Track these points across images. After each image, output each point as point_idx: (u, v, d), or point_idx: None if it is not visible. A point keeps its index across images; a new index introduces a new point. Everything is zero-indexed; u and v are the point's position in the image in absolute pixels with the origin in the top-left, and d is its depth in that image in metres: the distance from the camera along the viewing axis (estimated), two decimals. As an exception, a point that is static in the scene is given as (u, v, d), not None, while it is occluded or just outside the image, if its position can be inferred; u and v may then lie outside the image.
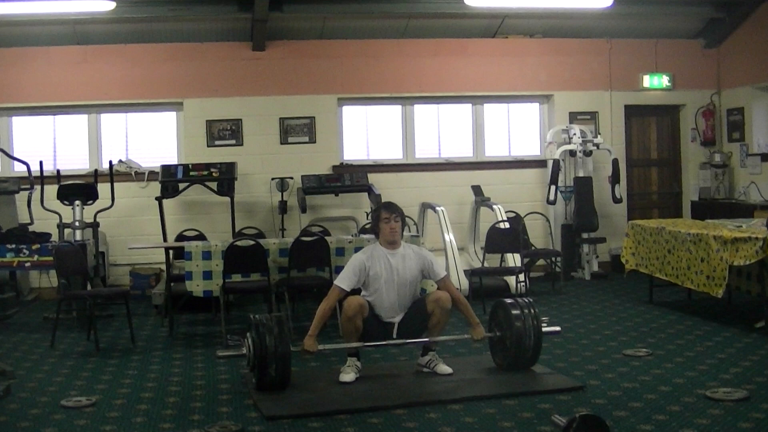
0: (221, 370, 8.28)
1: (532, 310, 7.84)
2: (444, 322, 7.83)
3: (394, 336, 7.75)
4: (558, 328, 8.21)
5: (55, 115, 13.37)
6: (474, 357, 8.59)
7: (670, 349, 8.57)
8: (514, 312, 7.82)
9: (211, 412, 6.79)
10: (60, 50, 13.04)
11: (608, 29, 14.25)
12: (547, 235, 13.66)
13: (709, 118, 14.63)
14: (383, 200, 11.48)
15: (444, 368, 7.73)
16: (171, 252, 10.55)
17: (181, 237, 11.55)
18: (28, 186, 11.74)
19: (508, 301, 8.04)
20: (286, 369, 7.32)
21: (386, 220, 7.74)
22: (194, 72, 13.36)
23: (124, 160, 13.20)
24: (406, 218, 9.03)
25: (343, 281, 7.74)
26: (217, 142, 13.36)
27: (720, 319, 9.86)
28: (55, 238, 11.35)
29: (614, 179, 13.53)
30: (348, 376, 7.54)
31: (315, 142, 13.51)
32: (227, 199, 12.34)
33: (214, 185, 12.40)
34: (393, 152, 14.07)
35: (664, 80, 14.56)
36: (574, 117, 14.21)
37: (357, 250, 8.95)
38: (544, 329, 7.80)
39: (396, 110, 14.16)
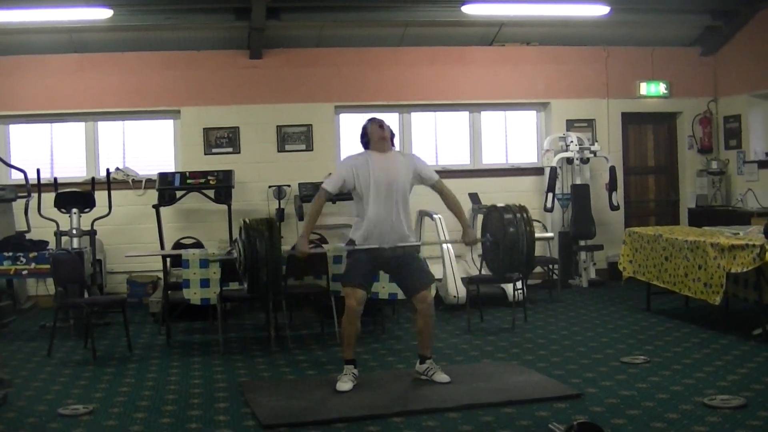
0: (218, 378, 8.28)
1: (525, 215, 7.87)
2: (430, 327, 7.80)
3: (385, 246, 7.63)
4: (551, 234, 8.32)
5: (52, 123, 13.35)
6: (471, 365, 8.60)
7: (667, 356, 8.57)
8: (507, 216, 7.84)
9: (208, 421, 6.79)
10: (57, 58, 13.03)
11: (605, 37, 14.27)
12: (545, 243, 13.59)
13: (706, 126, 14.63)
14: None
15: (442, 377, 7.72)
16: (168, 260, 10.55)
17: (178, 245, 11.55)
18: (25, 194, 11.72)
19: (500, 206, 8.10)
20: (278, 273, 7.29)
21: (375, 126, 7.87)
22: (191, 80, 13.36)
23: (121, 167, 13.20)
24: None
25: (329, 184, 7.84)
26: (214, 150, 13.35)
27: (717, 326, 9.86)
28: (52, 246, 11.34)
29: (611, 187, 13.54)
30: (345, 385, 7.52)
31: (312, 150, 13.51)
32: (224, 207, 12.33)
33: (211, 193, 12.40)
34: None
35: (661, 88, 14.57)
36: (571, 124, 14.23)
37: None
38: (537, 234, 7.83)
39: (393, 118, 14.12)
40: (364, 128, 7.99)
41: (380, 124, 7.90)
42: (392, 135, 8.01)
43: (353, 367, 7.65)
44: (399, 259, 7.69)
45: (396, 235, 7.65)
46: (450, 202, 7.93)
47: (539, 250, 13.33)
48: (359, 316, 7.55)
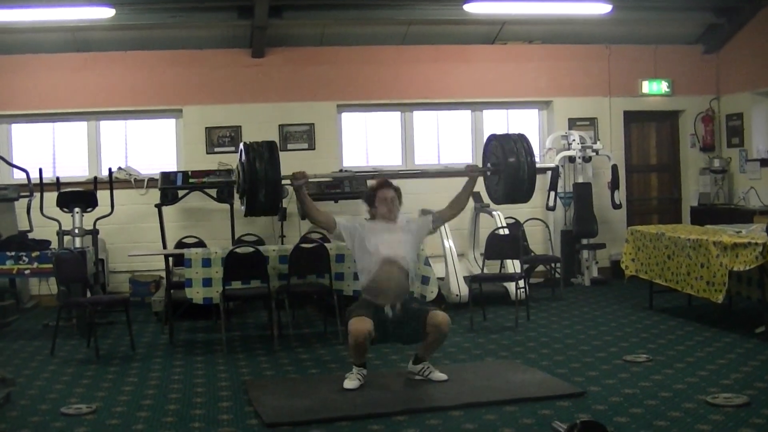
0: (222, 377, 8.28)
1: (525, 144, 7.95)
2: (440, 343, 7.81)
3: (389, 315, 7.60)
4: (554, 164, 8.40)
5: (54, 122, 13.37)
6: (474, 363, 8.61)
7: (670, 354, 8.57)
8: (508, 146, 7.87)
9: (211, 420, 6.79)
10: (60, 57, 13.04)
11: (607, 35, 14.26)
12: (547, 241, 13.63)
13: (709, 124, 14.63)
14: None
15: (439, 375, 7.70)
16: (171, 259, 10.54)
17: (180, 244, 11.54)
18: (28, 193, 11.73)
19: (500, 134, 8.22)
20: (276, 194, 7.32)
21: (382, 193, 7.81)
22: (193, 79, 13.36)
23: (123, 167, 13.20)
24: None
25: (341, 223, 7.84)
26: (216, 149, 13.35)
27: (720, 324, 9.85)
28: (54, 245, 11.35)
29: (614, 185, 13.53)
30: (352, 383, 7.51)
31: (315, 148, 13.51)
32: (227, 206, 12.34)
33: (213, 192, 12.40)
34: (392, 159, 14.06)
35: (663, 86, 14.57)
36: (573, 123, 14.23)
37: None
38: (538, 165, 7.91)
39: (395, 117, 14.16)
40: (371, 194, 7.91)
41: (385, 196, 7.79)
42: (399, 197, 7.92)
43: (363, 369, 7.61)
44: (399, 317, 7.66)
45: (400, 291, 7.65)
46: (454, 203, 8.06)
47: (541, 248, 13.43)
48: (364, 340, 7.40)
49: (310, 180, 7.87)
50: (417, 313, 7.61)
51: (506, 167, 7.97)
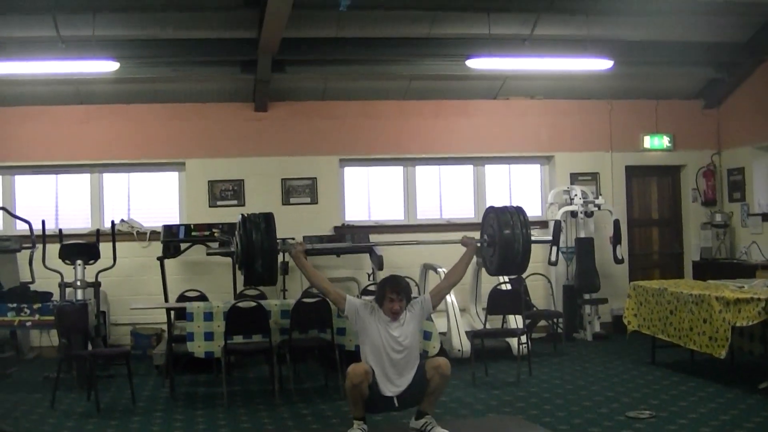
0: (223, 431, 8.24)
1: (521, 218, 8.02)
2: (442, 388, 7.75)
3: (396, 405, 7.58)
4: (549, 238, 8.44)
5: (57, 174, 13.44)
6: (476, 419, 8.56)
7: (673, 410, 8.52)
8: (504, 219, 7.89)
9: (212, 475, 6.76)
10: (63, 109, 13.14)
11: (609, 90, 14.35)
12: (549, 296, 13.61)
13: (710, 178, 14.68)
14: (384, 261, 11.51)
15: (441, 431, 7.65)
16: (172, 312, 10.53)
17: (182, 297, 11.53)
18: (30, 245, 11.74)
19: (498, 207, 8.28)
20: (273, 264, 7.34)
21: (390, 300, 7.64)
22: (196, 132, 13.43)
23: (126, 219, 13.24)
24: (409, 283, 8.72)
25: (349, 300, 7.80)
26: (219, 203, 13.40)
27: (723, 380, 9.81)
28: (56, 297, 11.32)
29: (615, 240, 13.53)
30: (356, 436, 7.46)
31: (317, 202, 13.55)
32: (229, 259, 12.32)
33: (215, 246, 12.40)
34: (395, 213, 14.10)
35: (664, 141, 14.65)
36: (575, 178, 14.28)
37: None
38: (534, 238, 7.92)
39: (398, 171, 14.21)
40: (380, 291, 7.83)
41: (392, 298, 7.67)
42: (408, 299, 7.80)
43: (363, 422, 7.53)
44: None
45: (403, 383, 7.59)
46: (451, 274, 8.09)
47: (543, 303, 13.40)
48: (362, 382, 7.35)
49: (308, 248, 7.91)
50: (419, 372, 7.59)
51: (501, 239, 8.01)
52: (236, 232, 7.64)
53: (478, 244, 8.41)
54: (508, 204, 8.63)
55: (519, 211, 8.21)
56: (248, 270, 7.42)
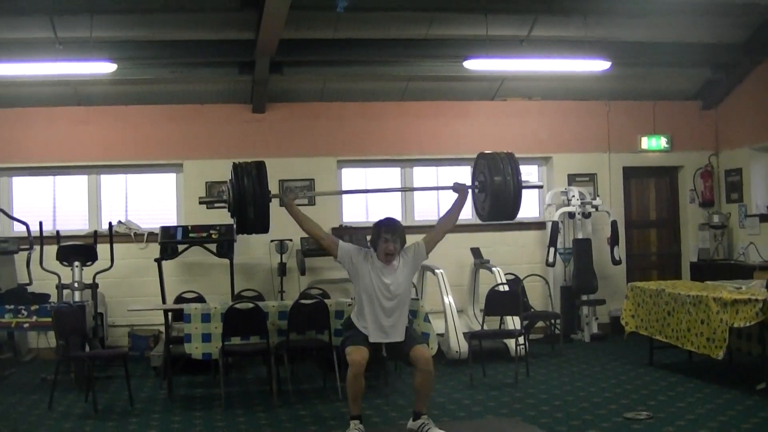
0: (220, 433, 8.25)
1: (512, 164, 8.05)
2: (430, 384, 7.76)
3: (384, 354, 7.67)
4: (541, 184, 8.43)
5: (55, 175, 13.43)
6: (473, 421, 8.56)
7: (671, 411, 8.53)
8: (495, 165, 7.93)
9: (209, 477, 6.75)
10: (61, 111, 13.13)
11: (606, 91, 14.35)
12: (547, 297, 13.60)
13: (708, 179, 14.68)
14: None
15: (437, 431, 7.67)
16: (170, 314, 10.53)
17: (180, 299, 11.52)
18: (28, 246, 11.74)
19: (489, 152, 8.27)
20: (265, 210, 7.44)
21: (385, 240, 7.73)
22: (194, 133, 13.42)
23: (123, 221, 13.22)
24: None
25: (342, 244, 7.91)
26: (216, 204, 13.36)
27: (721, 380, 9.81)
28: (54, 298, 11.34)
29: (613, 241, 13.54)
30: (352, 438, 7.47)
31: (314, 204, 13.52)
32: (226, 261, 12.33)
33: (213, 247, 12.40)
34: (392, 214, 14.03)
35: (662, 142, 14.65)
36: (572, 179, 14.28)
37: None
38: (525, 184, 7.94)
39: (395, 172, 14.20)
40: (375, 232, 7.89)
41: (386, 239, 7.76)
42: (403, 243, 7.90)
43: (359, 422, 7.57)
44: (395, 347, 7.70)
45: (394, 331, 7.68)
46: (443, 221, 8.16)
47: (541, 304, 13.40)
48: (363, 371, 7.48)
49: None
50: (407, 332, 7.78)
51: (492, 185, 8.03)
52: (228, 181, 7.68)
53: (475, 191, 8.42)
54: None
55: (510, 157, 8.21)
56: (241, 217, 7.47)
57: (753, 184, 14.00)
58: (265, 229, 7.70)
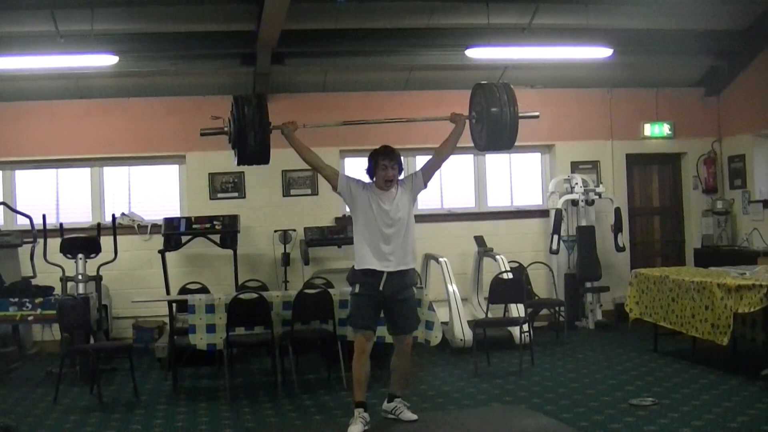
0: (226, 424, 8.25)
1: (508, 94, 8.15)
2: (407, 368, 7.88)
3: (381, 288, 7.58)
4: (537, 113, 8.46)
5: (58, 168, 13.43)
6: (478, 409, 8.57)
7: (675, 398, 8.53)
8: (491, 95, 8.00)
9: (215, 467, 6.76)
10: (63, 104, 13.13)
11: (609, 79, 14.33)
12: (551, 285, 13.61)
13: (711, 166, 14.66)
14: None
15: (409, 415, 7.66)
16: (174, 305, 10.53)
17: (184, 290, 11.52)
18: (31, 239, 11.75)
19: (485, 83, 8.36)
20: (265, 138, 7.56)
21: (383, 167, 7.80)
22: (197, 125, 13.26)
23: (126, 213, 13.22)
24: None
25: (343, 176, 8.08)
26: (219, 195, 13.39)
27: (725, 367, 9.81)
28: (58, 291, 11.34)
29: (617, 228, 13.55)
30: (356, 427, 7.41)
31: (317, 194, 13.53)
32: (230, 252, 12.33)
33: (216, 238, 12.41)
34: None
35: (665, 129, 14.62)
36: (575, 166, 14.25)
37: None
38: (521, 114, 7.93)
39: (398, 162, 14.17)
40: (372, 161, 7.95)
41: (385, 165, 7.83)
42: (400, 169, 7.97)
43: (363, 410, 7.54)
44: (397, 295, 7.64)
45: (394, 258, 7.65)
46: (441, 149, 8.26)
47: (545, 292, 13.40)
48: (368, 356, 7.50)
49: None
50: (409, 306, 7.77)
51: (489, 115, 8.06)
52: (230, 112, 7.73)
53: (472, 121, 8.44)
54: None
55: (506, 87, 8.25)
56: (241, 146, 7.50)
57: (756, 170, 13.98)
58: (265, 158, 7.73)
